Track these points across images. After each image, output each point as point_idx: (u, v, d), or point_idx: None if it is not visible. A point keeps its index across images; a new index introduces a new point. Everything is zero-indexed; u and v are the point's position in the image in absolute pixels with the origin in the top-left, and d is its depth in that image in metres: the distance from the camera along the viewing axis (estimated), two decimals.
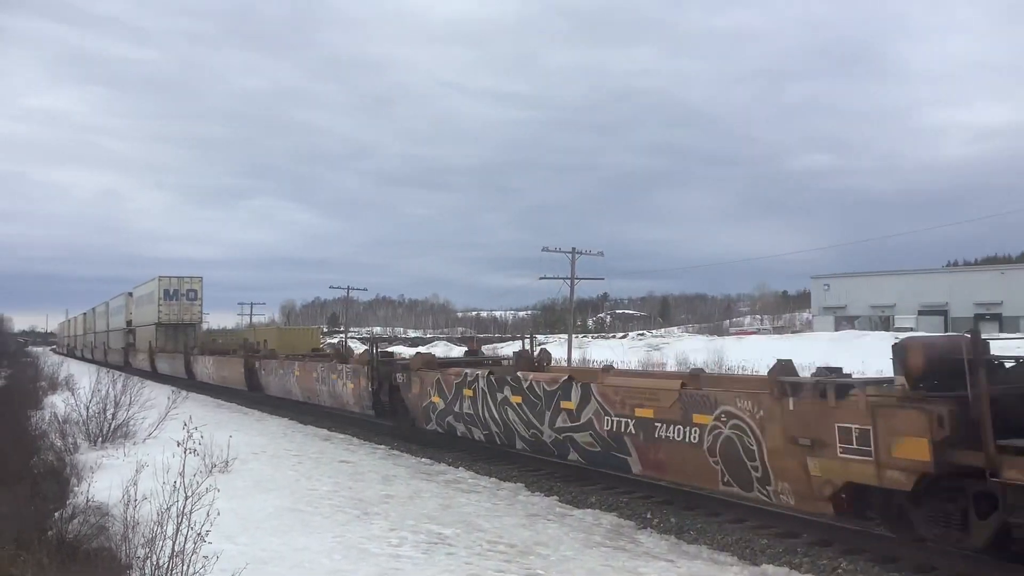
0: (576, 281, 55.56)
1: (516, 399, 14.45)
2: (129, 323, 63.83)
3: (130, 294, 64.84)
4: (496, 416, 15.15)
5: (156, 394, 24.54)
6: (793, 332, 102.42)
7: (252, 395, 31.72)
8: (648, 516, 11.72)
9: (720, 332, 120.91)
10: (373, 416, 21.05)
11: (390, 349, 33.71)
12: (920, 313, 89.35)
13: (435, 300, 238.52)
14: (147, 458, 13.15)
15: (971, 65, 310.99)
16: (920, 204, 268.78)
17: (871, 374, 12.55)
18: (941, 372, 8.13)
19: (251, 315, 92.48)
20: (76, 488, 13.87)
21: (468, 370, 16.54)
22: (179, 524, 7.77)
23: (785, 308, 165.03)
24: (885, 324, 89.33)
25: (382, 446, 19.07)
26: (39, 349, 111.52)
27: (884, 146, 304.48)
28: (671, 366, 51.34)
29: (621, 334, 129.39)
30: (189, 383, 39.45)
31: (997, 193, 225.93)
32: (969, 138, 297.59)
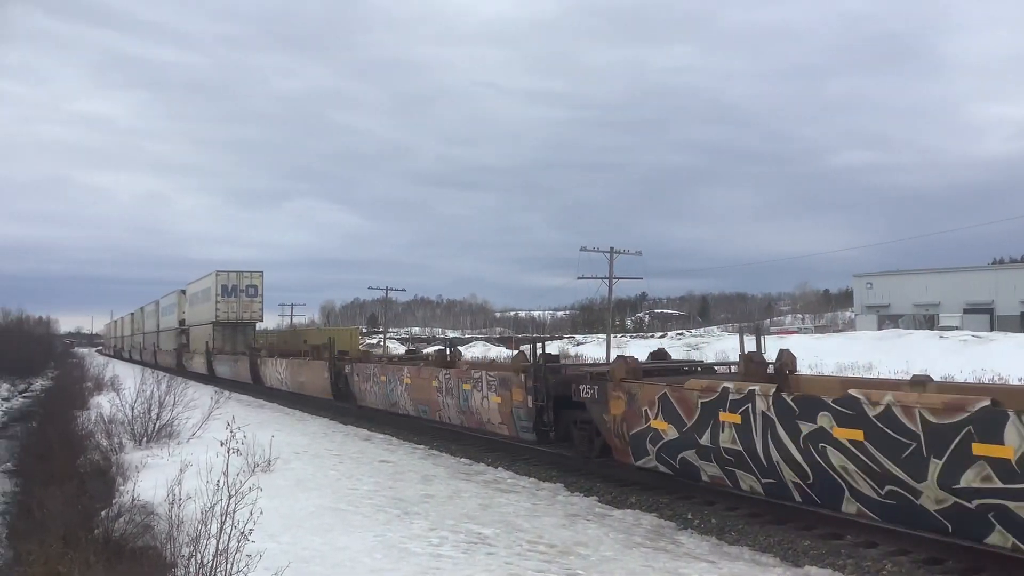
0: (614, 281, 55.36)
1: (849, 434, 9.15)
2: (182, 322, 60.50)
3: (183, 291, 61.40)
4: (799, 457, 9.83)
5: (199, 395, 24.86)
6: (835, 331, 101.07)
7: (339, 406, 27.18)
8: (689, 517, 11.64)
9: (761, 331, 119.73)
10: (532, 441, 15.87)
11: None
12: (965, 311, 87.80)
13: (473, 300, 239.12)
14: (191, 458, 13.37)
15: (1014, 59, 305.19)
16: (964, 200, 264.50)
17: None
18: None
19: (291, 316, 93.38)
20: (122, 487, 14.11)
21: (728, 384, 11.07)
22: (223, 523, 7.85)
23: (827, 307, 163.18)
24: (929, 323, 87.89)
25: (421, 446, 19.14)
26: (85, 350, 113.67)
27: (926, 142, 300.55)
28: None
29: (660, 333, 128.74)
30: (255, 389, 37.40)
31: None
32: (1013, 133, 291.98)
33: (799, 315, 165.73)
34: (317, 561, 9.21)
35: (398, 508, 12.10)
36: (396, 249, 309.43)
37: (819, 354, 49.07)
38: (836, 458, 9.30)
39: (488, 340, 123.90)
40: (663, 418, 12.04)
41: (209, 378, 45.27)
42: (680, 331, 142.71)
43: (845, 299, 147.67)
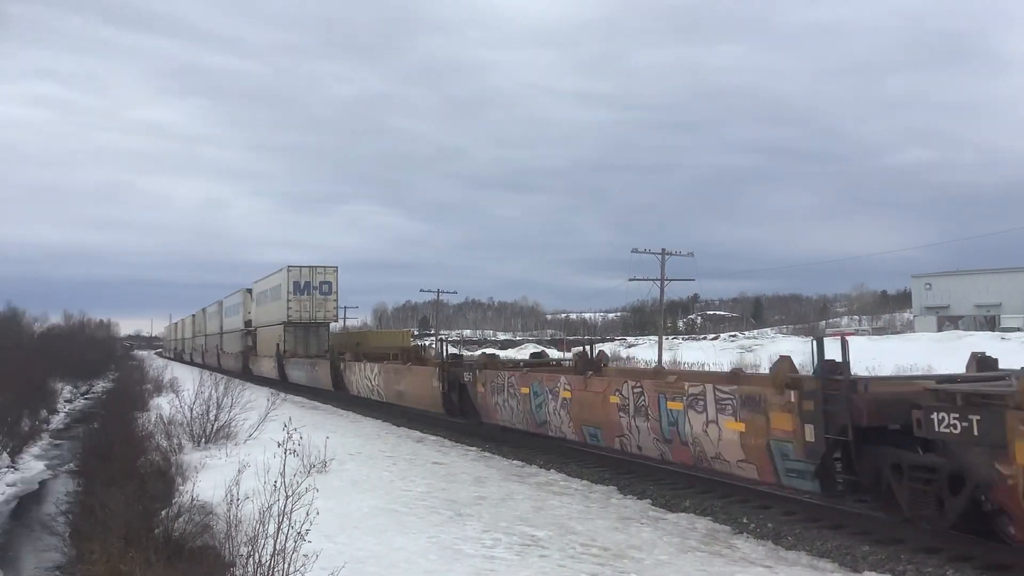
0: (666, 282, 55.04)
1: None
2: (248, 323, 56.40)
3: (248, 290, 57.29)
4: None
5: (255, 396, 25.22)
6: (893, 333, 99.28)
7: (452, 422, 22.83)
8: (744, 521, 11.51)
9: (816, 333, 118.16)
10: (813, 492, 11.00)
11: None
12: None
13: (524, 302, 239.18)
14: (248, 458, 13.55)
15: None
16: None
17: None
18: None
19: (344, 318, 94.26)
20: (181, 487, 14.37)
21: None
22: (280, 523, 7.96)
23: (884, 308, 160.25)
24: (990, 324, 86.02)
25: (473, 448, 19.20)
26: (144, 353, 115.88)
27: (987, 139, 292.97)
28: (765, 368, 50.34)
29: (712, 335, 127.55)
30: (337, 398, 33.86)
31: None
32: None
33: (856, 316, 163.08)
34: (372, 562, 9.29)
35: (451, 510, 12.16)
36: (447, 251, 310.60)
37: (876, 356, 48.25)
38: None
39: (539, 342, 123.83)
40: None
41: (280, 383, 42.34)
42: (733, 333, 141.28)
43: (903, 300, 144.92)
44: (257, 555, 7.97)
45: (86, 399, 58.93)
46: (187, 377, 34.82)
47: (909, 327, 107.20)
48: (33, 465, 29.23)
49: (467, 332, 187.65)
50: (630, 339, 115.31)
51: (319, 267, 43.37)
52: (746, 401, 11.52)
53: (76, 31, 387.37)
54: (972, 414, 8.59)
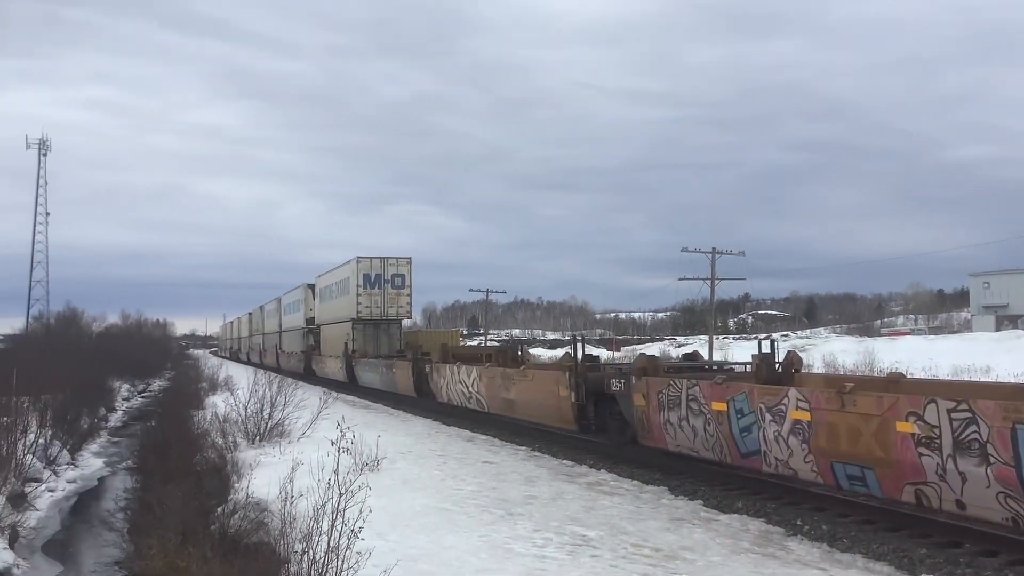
0: (716, 281, 54.57)
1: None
2: (310, 321, 52.83)
3: (310, 286, 53.45)
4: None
5: (308, 395, 25.52)
6: (951, 332, 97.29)
7: (584, 440, 18.79)
8: (798, 523, 11.38)
9: (871, 333, 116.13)
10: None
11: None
12: None
13: (573, 302, 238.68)
14: (301, 456, 13.74)
15: None
16: None
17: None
18: None
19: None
20: (236, 485, 14.59)
21: None
22: (334, 521, 8.05)
23: (941, 307, 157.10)
24: None
25: (523, 447, 19.22)
26: (199, 352, 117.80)
27: None
28: (819, 368, 49.66)
29: (764, 335, 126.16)
30: (421, 405, 29.76)
31: None
32: None
33: (912, 316, 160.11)
34: (424, 560, 9.35)
35: (502, 509, 12.19)
36: (495, 251, 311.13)
37: (933, 356, 47.39)
38: None
39: (588, 342, 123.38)
40: None
41: (349, 386, 39.91)
42: (785, 332, 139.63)
43: (960, 299, 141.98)
44: (311, 552, 8.07)
45: (143, 397, 60.08)
46: (241, 376, 35.26)
47: (966, 327, 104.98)
48: (92, 462, 29.90)
49: (516, 332, 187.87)
50: (680, 339, 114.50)
51: (391, 259, 39.77)
52: None
53: (132, 35, 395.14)
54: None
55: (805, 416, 11.51)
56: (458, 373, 25.08)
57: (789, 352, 14.96)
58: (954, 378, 31.62)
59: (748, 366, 15.27)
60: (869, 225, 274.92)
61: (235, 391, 25.32)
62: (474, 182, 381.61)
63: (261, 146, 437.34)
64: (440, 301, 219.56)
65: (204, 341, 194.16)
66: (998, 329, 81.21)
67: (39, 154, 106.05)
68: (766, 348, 14.74)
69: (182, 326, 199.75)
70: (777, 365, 14.33)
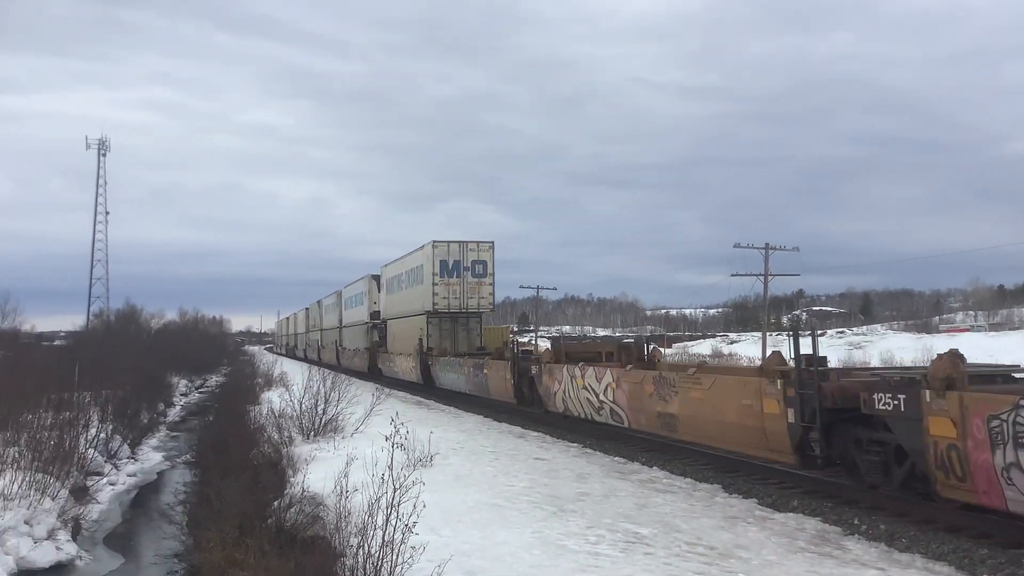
0: (770, 278, 53.90)
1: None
2: (375, 315, 48.49)
3: (374, 277, 49.18)
4: None
5: (360, 391, 25.77)
6: (1012, 329, 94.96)
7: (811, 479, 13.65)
8: (855, 522, 11.19)
9: (929, 329, 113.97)
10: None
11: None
12: None
13: (623, 299, 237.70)
14: (355, 452, 13.88)
15: None
16: None
17: None
18: None
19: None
20: (292, 479, 14.78)
21: None
22: (388, 515, 8.12)
23: (1001, 303, 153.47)
24: None
25: (575, 444, 19.18)
26: (254, 348, 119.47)
27: None
28: (876, 365, 48.83)
29: (819, 332, 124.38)
30: (521, 414, 25.02)
31: None
32: None
33: (971, 312, 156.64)
34: (477, 555, 9.39)
35: (554, 505, 12.18)
36: (546, 248, 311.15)
37: (994, 353, 46.17)
38: None
39: (553, 339, 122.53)
40: None
41: (424, 388, 35.96)
42: (841, 329, 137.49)
43: (1022, 295, 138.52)
44: (367, 546, 8.16)
45: (200, 393, 61.21)
46: (296, 372, 35.64)
47: None
48: (151, 456, 30.56)
49: (566, 328, 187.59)
50: (732, 335, 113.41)
51: (471, 243, 35.11)
52: None
53: (189, 36, 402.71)
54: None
55: None
56: (581, 377, 20.05)
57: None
58: None
59: None
60: (927, 219, 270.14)
61: (290, 387, 25.63)
62: (525, 179, 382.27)
63: (314, 145, 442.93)
64: None
65: (259, 338, 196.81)
66: None
67: (99, 154, 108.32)
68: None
69: (237, 323, 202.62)
70: None
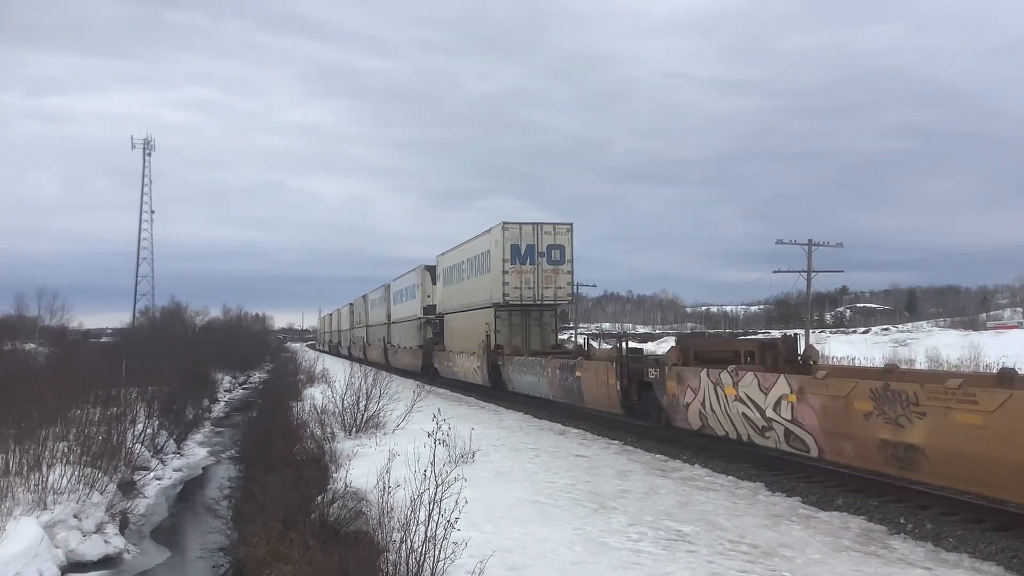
0: (813, 274, 53.31)
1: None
2: (429, 309, 44.33)
3: (429, 267, 45.21)
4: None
5: (401, 388, 25.91)
6: None
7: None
8: (901, 521, 11.06)
9: (976, 327, 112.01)
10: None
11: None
12: None
13: (663, 296, 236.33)
14: (397, 447, 13.98)
15: None
16: None
17: None
18: None
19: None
20: (334, 475, 14.90)
21: None
22: (431, 511, 8.17)
23: None
24: None
25: (616, 441, 19.14)
26: (296, 345, 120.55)
27: None
28: (922, 363, 48.12)
29: (863, 329, 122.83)
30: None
31: None
32: None
33: (1020, 309, 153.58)
34: (519, 551, 9.41)
35: (595, 502, 12.17)
36: (585, 244, 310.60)
37: None
38: None
39: (679, 336, 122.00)
40: None
41: (491, 392, 31.66)
42: (886, 326, 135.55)
43: None
44: (409, 541, 8.21)
45: (243, 389, 61.95)
46: (338, 369, 35.88)
47: None
48: (197, 451, 31.01)
49: (606, 325, 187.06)
50: (774, 332, 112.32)
51: (546, 224, 30.70)
52: None
53: (232, 37, 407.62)
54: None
55: None
56: (733, 385, 15.45)
57: None
58: None
59: None
60: (974, 214, 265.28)
61: (332, 383, 25.84)
62: (564, 175, 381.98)
63: (353, 143, 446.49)
64: None
65: (301, 335, 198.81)
66: None
67: (144, 154, 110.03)
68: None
69: (279, 320, 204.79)
70: None
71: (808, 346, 18.64)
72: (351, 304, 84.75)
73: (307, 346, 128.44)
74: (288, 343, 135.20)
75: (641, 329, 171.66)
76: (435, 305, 42.85)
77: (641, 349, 23.11)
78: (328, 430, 19.86)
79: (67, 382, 23.52)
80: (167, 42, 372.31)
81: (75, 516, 16.40)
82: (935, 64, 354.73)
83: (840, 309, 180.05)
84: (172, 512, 21.68)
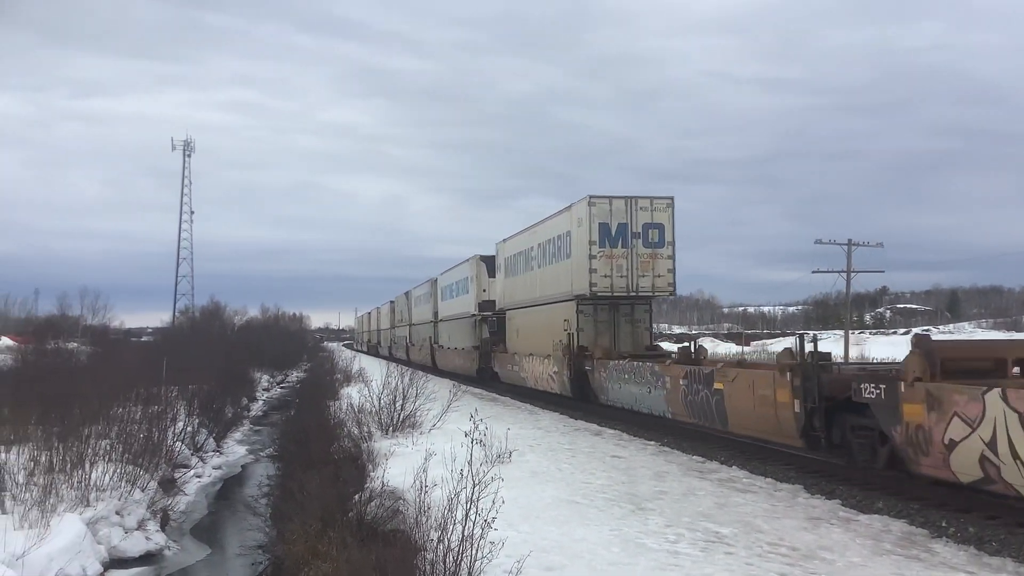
0: (852, 274, 52.71)
1: None
2: (485, 305, 39.62)
3: (485, 258, 40.84)
4: None
5: (437, 387, 26.00)
6: None
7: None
8: (943, 525, 10.89)
9: (1019, 327, 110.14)
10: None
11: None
12: None
13: (700, 296, 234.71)
14: (433, 447, 14.02)
15: None
16: None
17: None
18: None
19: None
20: (371, 473, 15.00)
21: None
22: (468, 510, 8.19)
23: None
24: None
25: (652, 442, 19.06)
26: (333, 345, 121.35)
27: None
28: None
29: (904, 330, 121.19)
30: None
31: None
32: None
33: None
34: (556, 551, 9.41)
35: (632, 503, 12.14)
36: None
37: None
38: None
39: (716, 336, 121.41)
40: None
41: (574, 403, 26.38)
42: (926, 327, 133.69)
43: None
44: (446, 540, 8.24)
45: (281, 388, 62.50)
46: (375, 368, 36.05)
47: None
48: (236, 449, 31.35)
49: None
50: (812, 333, 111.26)
51: (643, 199, 25.45)
52: None
53: (270, 38, 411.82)
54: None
55: None
56: None
57: None
58: None
59: None
60: (1018, 213, 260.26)
61: (369, 383, 25.98)
62: (601, 175, 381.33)
63: (390, 143, 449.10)
64: None
65: (337, 334, 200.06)
66: None
67: (183, 155, 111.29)
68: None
69: (316, 320, 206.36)
70: None
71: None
72: (392, 302, 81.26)
73: (343, 345, 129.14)
74: (325, 342, 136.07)
75: (677, 329, 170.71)
76: (493, 300, 38.38)
77: (829, 354, 15.82)
78: (365, 429, 19.97)
79: (109, 380, 23.88)
80: (206, 44, 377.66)
81: (117, 513, 16.63)
82: (978, 61, 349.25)
83: (880, 310, 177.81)
84: (212, 509, 21.92)
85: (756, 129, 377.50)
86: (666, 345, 37.75)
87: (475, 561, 8.07)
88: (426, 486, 9.92)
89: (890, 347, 70.67)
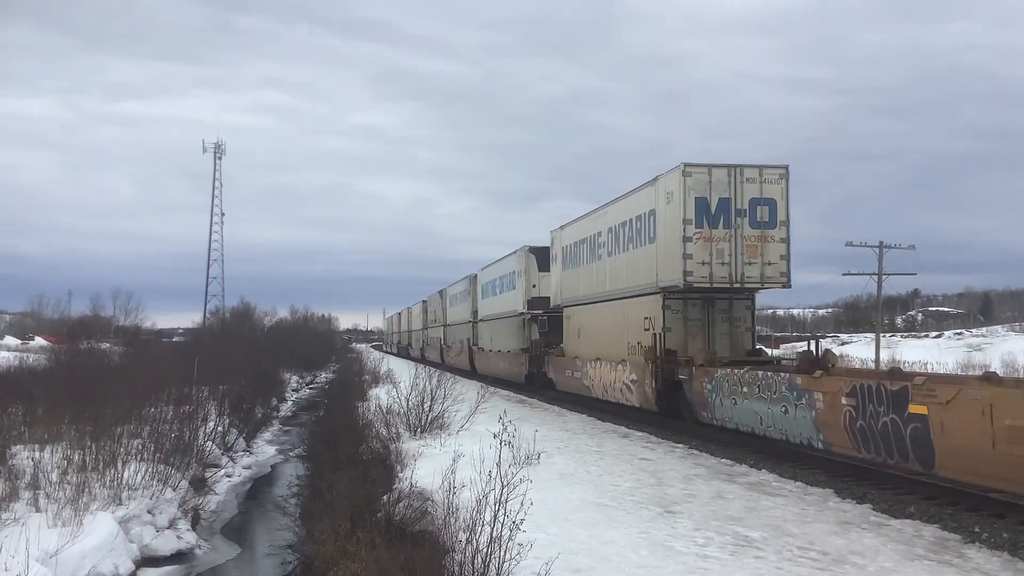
0: (883, 277, 52.16)
1: None
2: (537, 302, 35.48)
3: (534, 249, 36.56)
4: None
5: (465, 389, 26.03)
6: None
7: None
8: (976, 530, 10.76)
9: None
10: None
11: None
12: None
13: None
14: (461, 448, 14.05)
15: None
16: None
17: None
18: None
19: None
20: (400, 474, 15.04)
21: None
22: (496, 512, 8.20)
23: None
24: None
25: (680, 445, 18.97)
26: (361, 346, 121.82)
27: None
28: (996, 367, 46.74)
29: (935, 333, 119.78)
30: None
31: None
32: None
33: None
34: (584, 553, 9.40)
35: (660, 506, 12.09)
36: None
37: None
38: None
39: None
40: None
41: (662, 421, 21.82)
42: (959, 331, 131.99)
43: None
44: (475, 541, 8.26)
45: (310, 388, 62.88)
46: (404, 370, 36.14)
47: None
48: (266, 449, 31.60)
49: None
50: (843, 336, 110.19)
51: (748, 167, 20.65)
52: None
53: (300, 40, 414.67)
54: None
55: None
56: None
57: None
58: None
59: None
60: None
61: (397, 384, 26.06)
62: (630, 176, 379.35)
63: (419, 145, 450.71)
64: None
65: (365, 336, 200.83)
66: None
67: (215, 158, 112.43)
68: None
69: (344, 321, 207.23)
70: None
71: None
72: (424, 301, 76.40)
73: (372, 347, 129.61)
74: (353, 344, 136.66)
75: None
76: (546, 297, 33.69)
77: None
78: (393, 430, 20.04)
79: (141, 381, 24.15)
80: (237, 47, 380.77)
81: (149, 512, 16.83)
82: (1013, 62, 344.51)
83: (911, 313, 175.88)
84: (242, 509, 22.10)
85: (784, 130, 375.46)
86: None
87: (503, 563, 8.08)
88: (454, 487, 9.95)
89: (922, 350, 69.90)
